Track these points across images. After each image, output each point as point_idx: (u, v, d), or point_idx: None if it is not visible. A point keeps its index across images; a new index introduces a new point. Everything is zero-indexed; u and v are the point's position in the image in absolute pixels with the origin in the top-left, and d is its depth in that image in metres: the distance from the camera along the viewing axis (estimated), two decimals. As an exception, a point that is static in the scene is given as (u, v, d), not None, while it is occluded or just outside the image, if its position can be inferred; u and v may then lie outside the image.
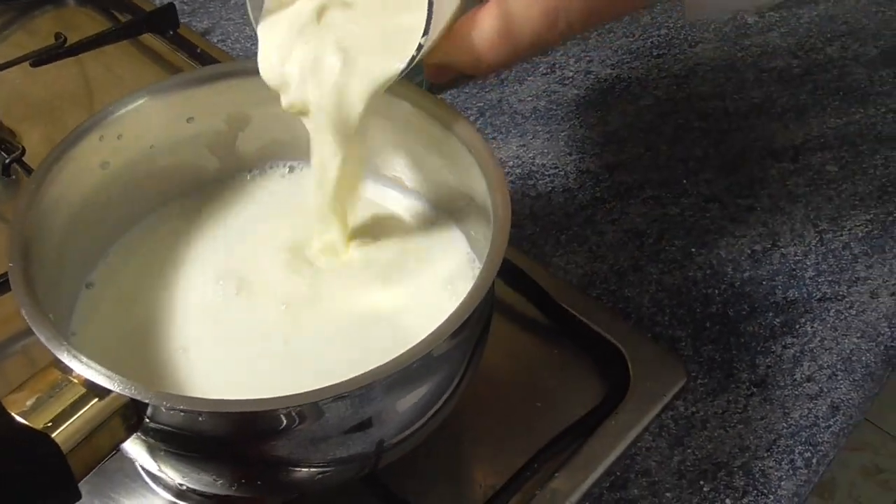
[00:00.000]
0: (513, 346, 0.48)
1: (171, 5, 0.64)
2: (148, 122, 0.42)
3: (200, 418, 0.32)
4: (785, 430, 0.45)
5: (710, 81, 0.66)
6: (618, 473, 0.43)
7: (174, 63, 0.64)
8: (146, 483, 0.42)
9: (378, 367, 0.31)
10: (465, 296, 0.34)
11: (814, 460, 0.44)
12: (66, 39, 0.62)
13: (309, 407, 0.32)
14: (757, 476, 0.43)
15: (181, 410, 0.31)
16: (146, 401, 0.31)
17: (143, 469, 0.42)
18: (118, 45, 0.65)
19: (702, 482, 0.43)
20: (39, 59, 0.60)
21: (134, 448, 0.34)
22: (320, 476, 0.36)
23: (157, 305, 0.41)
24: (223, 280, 0.42)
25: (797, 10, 0.75)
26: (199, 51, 0.62)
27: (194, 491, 0.41)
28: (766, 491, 0.42)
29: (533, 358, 0.48)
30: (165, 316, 0.40)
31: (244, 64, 0.45)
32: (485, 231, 0.38)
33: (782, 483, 0.43)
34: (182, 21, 0.68)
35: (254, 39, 0.67)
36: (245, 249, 0.44)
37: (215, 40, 0.67)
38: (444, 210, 0.45)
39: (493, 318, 0.39)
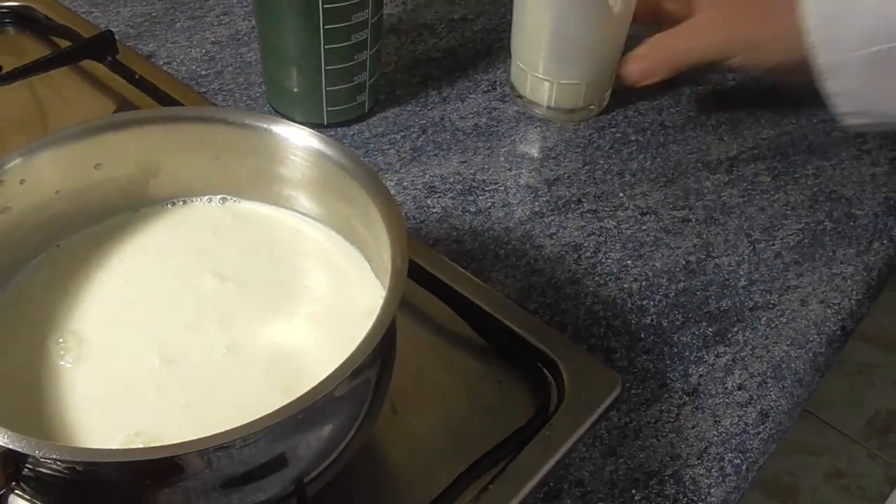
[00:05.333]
0: (449, 360, 0.49)
1: (109, 32, 0.64)
2: (52, 167, 0.42)
3: (79, 468, 0.31)
4: (716, 438, 0.46)
5: (648, 96, 0.68)
6: (551, 484, 0.43)
7: (115, 89, 0.64)
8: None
9: (270, 414, 0.31)
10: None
11: (743, 467, 0.45)
12: (1, 67, 0.62)
13: (194, 456, 0.31)
14: (687, 483, 0.44)
15: (62, 461, 0.31)
16: (19, 449, 0.30)
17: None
18: (63, 71, 0.65)
19: (633, 491, 0.43)
20: (-26, 85, 0.60)
21: (16, 501, 0.34)
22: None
23: (63, 343, 0.40)
24: (132, 310, 0.41)
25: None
26: (137, 77, 0.63)
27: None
28: (696, 498, 0.43)
29: (469, 372, 0.48)
30: (73, 352, 0.40)
31: (153, 112, 0.45)
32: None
33: (712, 490, 0.44)
34: (128, 44, 0.68)
35: (199, 61, 0.68)
36: (156, 276, 0.43)
37: (161, 63, 0.68)
38: (356, 245, 0.45)
39: (395, 354, 0.40)
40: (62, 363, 0.39)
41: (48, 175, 0.42)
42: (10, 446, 0.30)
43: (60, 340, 0.40)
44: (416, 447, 0.45)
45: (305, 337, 0.41)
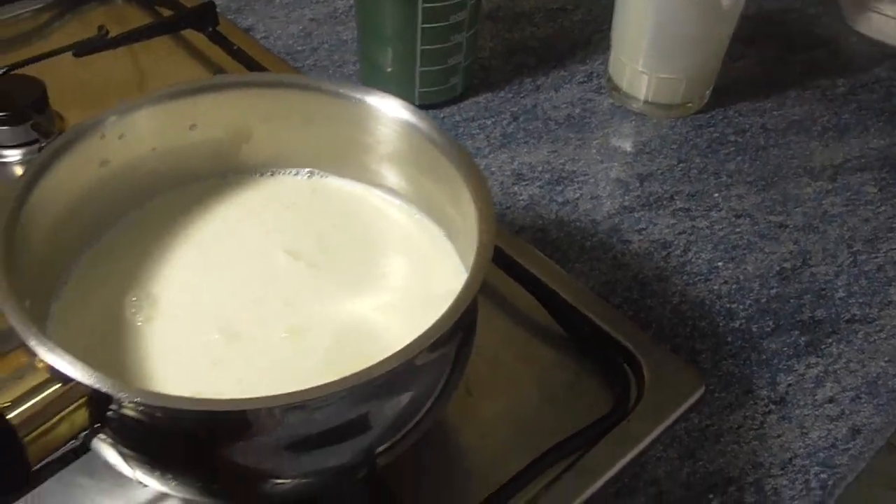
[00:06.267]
0: (527, 349, 0.48)
1: (211, 3, 0.65)
2: (151, 125, 0.42)
3: (159, 415, 0.31)
4: (801, 450, 0.44)
5: (750, 96, 0.65)
6: (625, 481, 0.42)
7: (213, 59, 0.65)
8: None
9: (341, 379, 0.31)
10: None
11: (830, 482, 0.43)
12: (107, 32, 0.64)
13: (276, 410, 0.31)
14: (769, 493, 0.42)
15: (142, 405, 0.31)
16: (106, 390, 0.30)
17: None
18: (163, 40, 0.66)
19: (711, 495, 0.42)
20: (82, 49, 0.61)
21: (100, 445, 0.34)
22: (302, 485, 0.36)
23: (137, 302, 0.40)
24: (204, 279, 0.41)
25: (847, 29, 0.73)
26: (235, 48, 0.64)
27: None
28: (776, 509, 0.41)
29: (546, 362, 0.47)
30: (145, 312, 0.40)
31: (251, 76, 0.45)
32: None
33: (794, 503, 0.42)
34: (228, 17, 0.69)
35: (295, 37, 0.68)
36: (233, 249, 0.43)
37: (258, 36, 0.68)
38: (441, 225, 0.44)
39: (475, 333, 0.39)
40: (135, 320, 0.40)
41: (146, 132, 0.43)
42: (98, 386, 0.31)
43: (134, 298, 0.41)
44: (489, 432, 0.44)
45: (378, 321, 0.40)
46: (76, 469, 0.41)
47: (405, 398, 0.35)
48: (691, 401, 0.45)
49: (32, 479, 0.33)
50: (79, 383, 0.31)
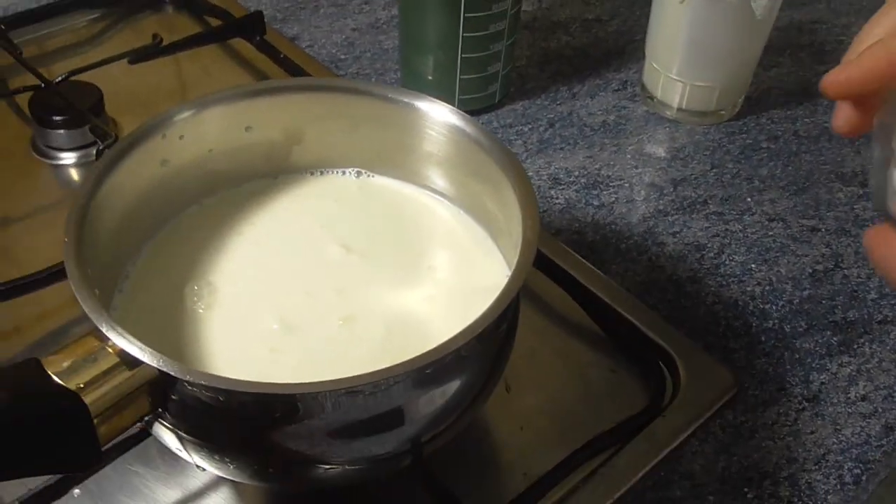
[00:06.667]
0: (564, 347, 0.49)
1: (259, 13, 0.67)
2: (208, 126, 0.44)
3: (221, 398, 0.33)
4: (835, 446, 0.45)
5: (783, 104, 0.67)
6: (661, 474, 0.43)
7: (260, 67, 0.67)
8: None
9: (395, 365, 0.32)
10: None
11: (863, 477, 0.44)
12: (161, 40, 0.66)
13: (333, 395, 0.33)
14: (803, 488, 0.43)
15: (204, 386, 0.32)
16: (171, 372, 0.32)
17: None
18: (212, 48, 0.69)
19: (746, 489, 0.43)
20: (137, 56, 0.64)
21: (161, 430, 0.36)
22: (351, 472, 0.37)
23: (198, 290, 0.42)
24: (259, 270, 0.43)
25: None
26: (282, 56, 0.66)
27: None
28: (811, 502, 0.42)
29: (583, 360, 0.49)
30: (206, 300, 0.42)
31: (304, 80, 0.46)
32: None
33: (829, 497, 0.43)
34: (274, 27, 0.72)
35: (339, 45, 0.70)
36: (286, 242, 0.45)
37: (304, 45, 0.71)
38: (483, 224, 0.46)
39: (517, 327, 0.40)
40: (196, 307, 0.42)
41: (204, 133, 0.45)
42: (165, 369, 0.32)
43: (196, 287, 0.42)
44: (528, 425, 0.46)
45: (425, 313, 0.42)
46: (132, 457, 0.43)
47: (451, 388, 0.37)
48: (725, 397, 0.46)
49: (101, 459, 0.35)
50: (145, 366, 0.33)
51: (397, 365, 0.33)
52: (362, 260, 0.44)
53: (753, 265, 0.54)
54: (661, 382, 0.47)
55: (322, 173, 0.49)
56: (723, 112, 0.65)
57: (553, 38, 0.73)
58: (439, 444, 0.39)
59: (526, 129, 0.64)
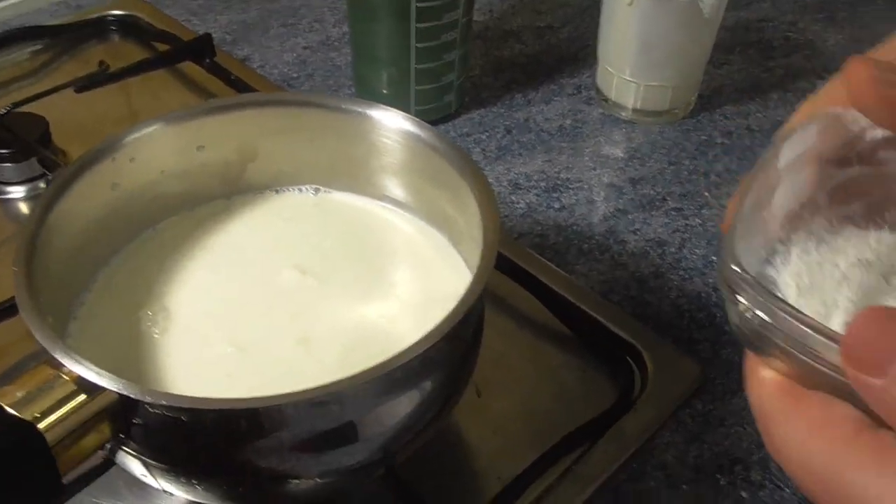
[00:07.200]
0: (532, 349, 0.49)
1: (208, 35, 0.67)
2: (160, 148, 0.44)
3: (183, 417, 0.32)
4: (804, 430, 0.45)
5: (735, 101, 0.68)
6: (635, 466, 0.43)
7: (211, 89, 0.67)
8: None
9: (360, 373, 0.32)
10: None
11: (833, 459, 0.44)
12: (108, 67, 0.66)
13: (298, 407, 0.32)
14: (774, 470, 0.43)
15: (165, 406, 0.32)
16: (131, 395, 0.31)
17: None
18: (161, 74, 0.68)
19: (718, 475, 0.43)
20: (83, 84, 0.63)
21: (125, 458, 0.35)
22: (323, 485, 0.37)
23: (152, 316, 0.42)
24: (214, 295, 0.43)
25: (823, 33, 0.76)
26: (233, 77, 0.66)
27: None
28: (782, 485, 0.43)
29: (552, 361, 0.49)
30: (161, 324, 0.41)
31: (255, 96, 0.46)
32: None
33: (800, 480, 0.43)
34: (224, 49, 0.71)
35: (290, 64, 0.70)
36: (241, 265, 0.44)
37: (255, 66, 0.70)
38: (445, 231, 0.46)
39: (483, 330, 0.40)
40: (151, 332, 0.41)
41: (155, 154, 0.44)
42: (124, 392, 0.32)
43: (150, 312, 0.42)
44: (500, 428, 0.46)
45: (386, 328, 0.41)
46: (98, 489, 0.42)
47: (419, 394, 0.37)
48: (693, 387, 0.46)
49: (63, 492, 0.34)
50: (104, 392, 0.32)
51: (362, 372, 0.33)
52: (318, 280, 0.44)
53: (714, 258, 0.55)
54: (630, 377, 0.47)
55: (279, 191, 0.48)
56: (677, 111, 0.66)
57: (506, 47, 0.73)
58: (411, 451, 0.39)
59: (484, 137, 0.64)
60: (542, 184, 0.60)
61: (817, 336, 0.22)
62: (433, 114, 0.64)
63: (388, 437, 0.37)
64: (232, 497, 0.38)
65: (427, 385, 0.37)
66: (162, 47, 0.71)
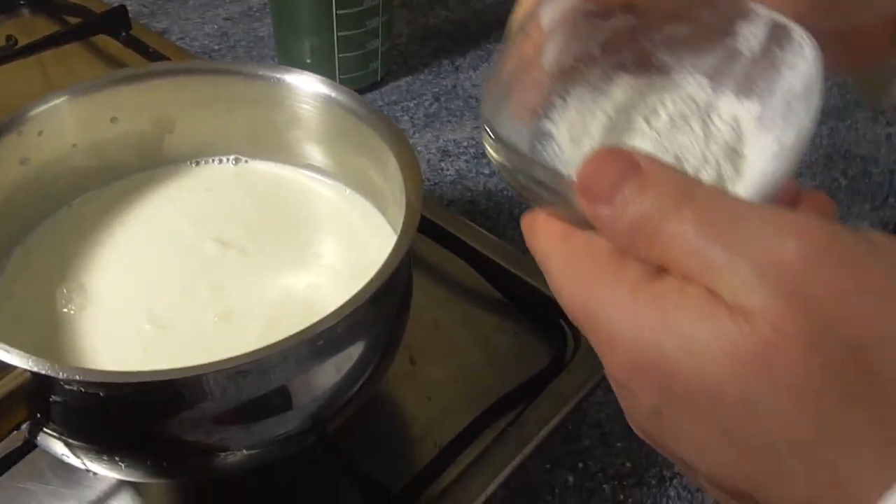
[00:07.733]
0: (466, 315, 0.49)
1: (122, 7, 0.64)
2: (69, 120, 0.42)
3: (101, 393, 0.31)
4: (735, 383, 0.46)
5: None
6: (570, 426, 0.43)
7: (128, 62, 0.65)
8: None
9: (281, 340, 0.31)
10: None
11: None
12: (16, 42, 0.63)
13: (218, 377, 0.32)
14: (706, 425, 0.44)
15: (81, 382, 0.31)
16: (43, 372, 0.30)
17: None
18: (76, 48, 0.66)
19: (652, 432, 0.43)
20: (-11, 60, 0.61)
21: (47, 440, 0.34)
22: (252, 456, 0.36)
23: (67, 294, 0.41)
24: (132, 270, 0.42)
25: None
26: (151, 50, 0.63)
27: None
28: (715, 438, 0.43)
29: (486, 326, 0.48)
30: (77, 301, 0.40)
31: (169, 65, 0.45)
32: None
33: (732, 431, 0.44)
34: (141, 22, 0.69)
35: (211, 36, 0.68)
36: (161, 240, 0.43)
37: (174, 39, 0.68)
38: (370, 198, 0.45)
39: (412, 295, 0.40)
40: (67, 310, 0.40)
41: (66, 127, 0.43)
42: (36, 369, 0.31)
43: (65, 290, 0.40)
44: (435, 395, 0.45)
45: (311, 299, 0.41)
46: (20, 474, 0.40)
47: (346, 361, 0.36)
48: (626, 346, 0.46)
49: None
50: (15, 370, 0.31)
51: (284, 339, 0.32)
52: (239, 253, 0.43)
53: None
54: (563, 340, 0.47)
55: (198, 163, 0.47)
56: (604, 74, 0.66)
57: (432, 14, 0.72)
58: (342, 420, 0.38)
59: (411, 105, 0.63)
60: (472, 150, 0.59)
61: (560, 180, 0.25)
62: (359, 82, 0.63)
63: (319, 405, 0.36)
64: (157, 473, 0.37)
65: (354, 351, 0.36)
66: (74, 21, 0.68)
